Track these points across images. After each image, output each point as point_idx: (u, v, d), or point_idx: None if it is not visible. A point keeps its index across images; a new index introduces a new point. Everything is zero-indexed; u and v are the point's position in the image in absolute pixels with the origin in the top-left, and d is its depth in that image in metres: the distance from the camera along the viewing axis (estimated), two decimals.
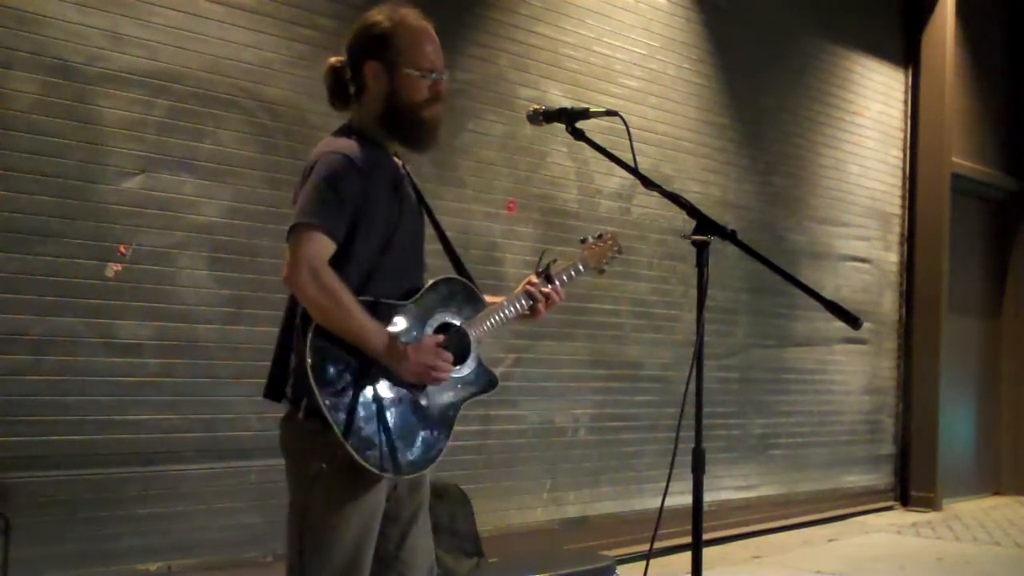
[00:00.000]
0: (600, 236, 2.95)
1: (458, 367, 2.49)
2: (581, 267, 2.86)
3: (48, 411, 3.80)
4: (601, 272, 2.96)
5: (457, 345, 2.50)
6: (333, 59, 2.57)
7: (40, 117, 3.79)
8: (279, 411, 2.50)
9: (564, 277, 2.78)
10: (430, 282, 2.53)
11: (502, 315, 2.60)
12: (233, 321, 4.30)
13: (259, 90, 4.42)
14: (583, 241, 2.91)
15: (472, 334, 2.53)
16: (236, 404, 4.28)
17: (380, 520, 2.44)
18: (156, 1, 4.10)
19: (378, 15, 2.52)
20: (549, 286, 2.69)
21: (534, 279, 2.70)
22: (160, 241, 4.10)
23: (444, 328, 2.50)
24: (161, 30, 4.11)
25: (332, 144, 2.46)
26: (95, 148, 3.93)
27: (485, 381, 2.57)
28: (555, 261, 2.75)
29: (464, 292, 2.59)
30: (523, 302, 2.66)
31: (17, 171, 3.74)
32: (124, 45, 4.01)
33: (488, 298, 2.65)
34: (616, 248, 2.97)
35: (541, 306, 2.67)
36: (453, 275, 2.61)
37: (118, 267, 3.98)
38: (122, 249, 3.99)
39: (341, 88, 2.56)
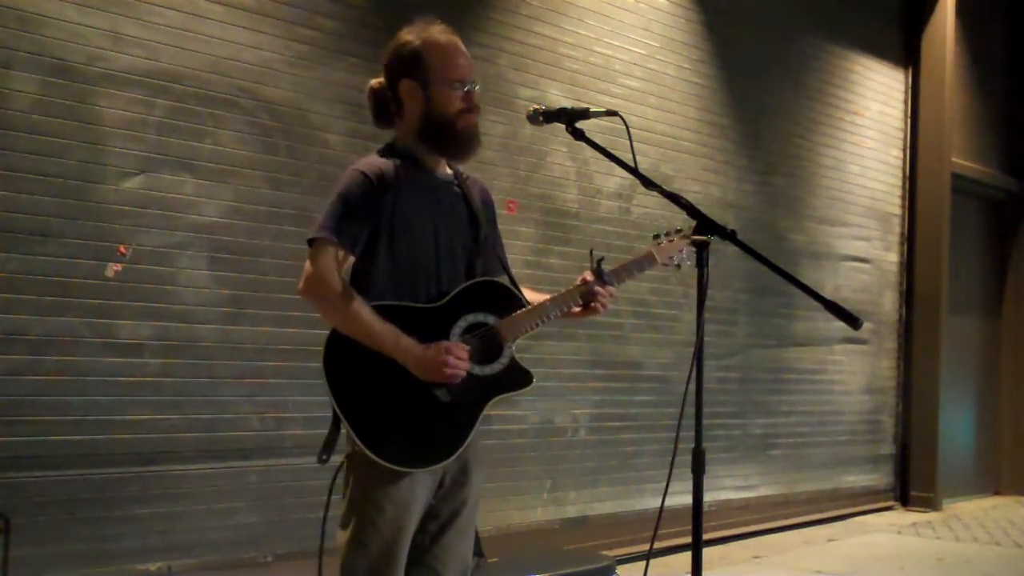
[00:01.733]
0: (676, 231, 2.83)
1: (488, 365, 2.54)
2: (646, 264, 2.80)
3: (48, 411, 3.80)
4: (677, 267, 2.84)
5: (486, 343, 2.54)
6: (374, 81, 2.68)
7: (40, 117, 3.80)
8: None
9: (624, 275, 2.74)
10: (462, 285, 2.59)
11: (548, 316, 2.62)
12: (233, 321, 4.30)
13: (259, 90, 4.42)
14: (655, 237, 2.84)
15: (505, 333, 2.56)
16: (236, 404, 4.28)
17: (417, 514, 2.53)
18: (156, 1, 4.10)
19: (408, 35, 2.62)
20: (605, 286, 2.67)
21: (589, 277, 2.69)
22: (160, 241, 4.10)
23: (474, 328, 2.55)
24: (161, 30, 4.11)
25: (360, 161, 2.59)
26: (95, 148, 3.93)
27: (518, 380, 2.59)
28: (603, 259, 2.72)
29: (500, 293, 2.62)
30: (576, 301, 2.66)
31: (17, 171, 3.74)
32: (124, 45, 4.01)
33: (531, 295, 2.67)
34: (689, 244, 2.82)
35: (598, 305, 2.67)
36: (490, 278, 2.66)
37: (118, 267, 3.98)
38: (122, 249, 3.99)
39: (383, 108, 2.66)
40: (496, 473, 5.35)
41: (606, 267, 2.70)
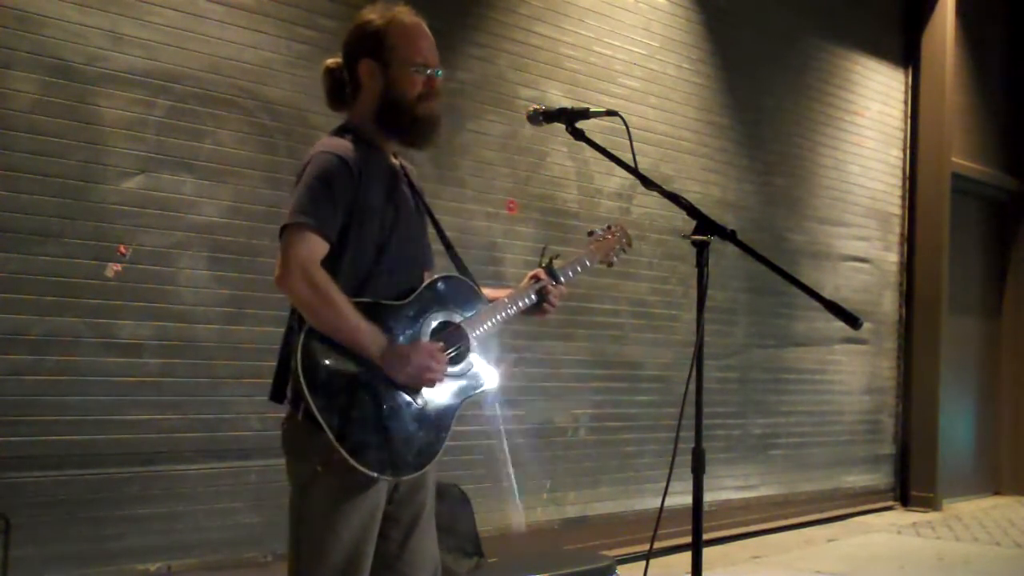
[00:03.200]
0: (608, 228, 2.95)
1: (457, 366, 2.48)
2: (587, 261, 2.85)
3: (48, 411, 3.80)
4: (610, 264, 2.95)
5: (456, 343, 2.49)
6: (329, 60, 2.59)
7: (40, 117, 3.79)
8: (279, 411, 2.50)
9: (570, 272, 2.77)
10: (427, 281, 2.52)
11: (505, 312, 2.60)
12: (233, 321, 4.30)
13: (259, 90, 4.42)
14: (591, 234, 2.91)
15: (471, 332, 2.51)
16: (236, 404, 4.28)
17: (380, 521, 2.43)
18: (156, 1, 4.10)
19: (371, 13, 2.53)
20: (553, 282, 2.68)
21: (538, 273, 2.68)
22: (160, 241, 4.10)
23: (442, 327, 2.49)
24: (161, 30, 4.11)
25: (326, 144, 2.46)
26: (95, 148, 3.93)
27: (485, 378, 2.55)
28: (557, 256, 2.74)
29: (463, 290, 2.57)
30: (530, 297, 2.65)
31: (17, 171, 3.74)
32: (124, 45, 4.01)
33: (489, 292, 2.64)
34: (624, 240, 2.96)
35: (549, 303, 2.67)
36: (452, 273, 2.59)
37: (118, 267, 3.98)
38: (122, 249, 3.99)
39: (338, 89, 2.57)
40: (496, 473, 5.34)
41: (556, 266, 2.72)
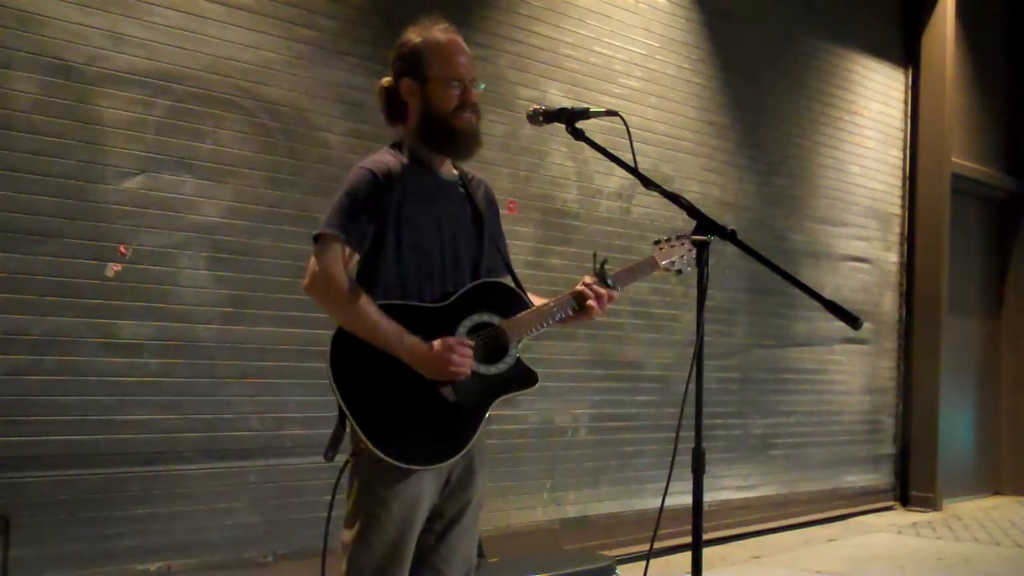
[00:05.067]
0: (677, 237, 2.86)
1: (494, 365, 2.55)
2: (648, 268, 2.82)
3: (48, 411, 3.80)
4: (679, 272, 2.87)
5: (493, 344, 2.55)
6: (384, 80, 2.70)
7: (40, 117, 3.79)
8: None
9: (627, 278, 2.76)
10: (468, 285, 2.60)
11: (550, 319, 2.64)
12: (233, 321, 4.30)
13: (259, 90, 4.42)
14: (656, 243, 2.86)
15: (510, 333, 2.58)
16: (236, 404, 4.28)
17: (423, 513, 2.53)
18: (156, 1, 4.10)
19: (410, 34, 2.65)
20: (605, 288, 2.68)
21: (588, 279, 2.69)
22: (160, 241, 4.10)
23: (479, 328, 2.56)
24: (161, 30, 4.11)
25: (365, 159, 2.60)
26: (95, 148, 3.93)
27: (523, 379, 2.63)
28: (606, 261, 2.73)
29: (505, 294, 2.64)
30: (573, 307, 2.66)
31: (17, 171, 3.74)
32: (124, 45, 4.01)
33: (535, 298, 2.69)
34: (690, 249, 2.83)
35: (594, 304, 2.66)
36: (495, 279, 2.66)
37: (118, 267, 3.98)
38: (122, 249, 3.99)
39: (393, 107, 2.68)
40: (496, 473, 5.34)
41: (608, 271, 2.71)
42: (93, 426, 3.90)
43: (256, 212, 4.38)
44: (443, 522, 2.61)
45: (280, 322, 4.38)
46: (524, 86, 5.54)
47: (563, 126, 2.63)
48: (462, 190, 2.68)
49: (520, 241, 5.45)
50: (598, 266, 2.71)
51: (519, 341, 2.60)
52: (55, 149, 3.83)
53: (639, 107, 6.17)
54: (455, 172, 2.70)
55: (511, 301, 2.63)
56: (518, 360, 2.60)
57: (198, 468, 4.18)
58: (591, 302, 2.66)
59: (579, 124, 2.62)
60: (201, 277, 4.23)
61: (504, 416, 5.37)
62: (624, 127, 2.55)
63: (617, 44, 6.09)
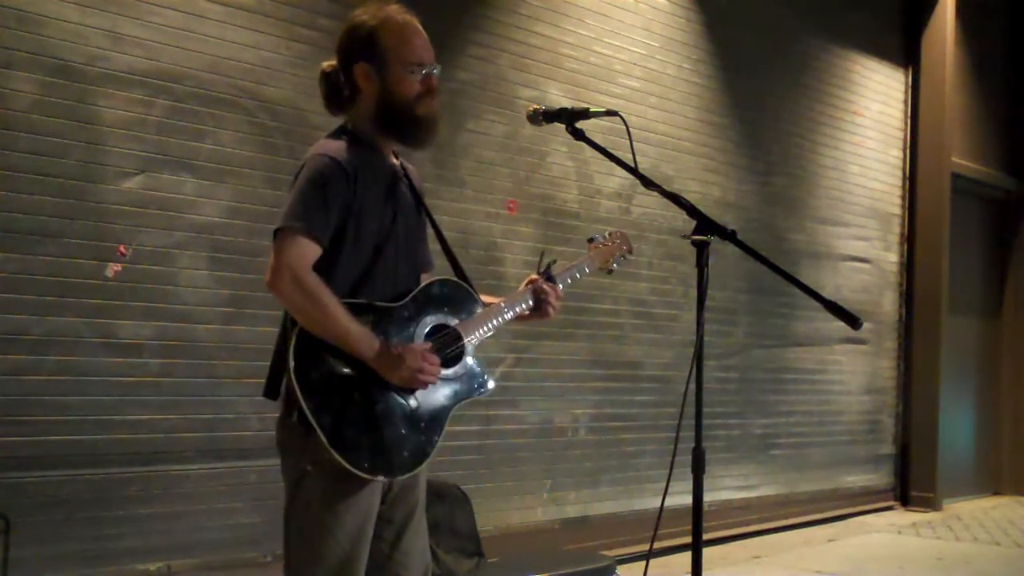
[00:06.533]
0: (609, 235, 2.93)
1: (451, 369, 2.48)
2: (586, 267, 2.84)
3: (48, 411, 3.80)
4: (609, 271, 2.94)
5: (450, 347, 2.48)
6: (325, 64, 2.57)
7: (40, 117, 3.79)
8: (278, 411, 2.49)
9: (568, 278, 2.76)
10: (423, 284, 2.52)
11: (501, 317, 2.59)
12: (233, 321, 4.30)
13: (259, 90, 4.42)
14: (591, 240, 2.89)
15: (466, 336, 2.51)
16: (236, 404, 4.28)
17: (375, 521, 2.44)
18: (156, 1, 4.10)
19: (363, 15, 2.50)
20: (549, 285, 2.67)
21: (536, 279, 2.68)
22: (160, 241, 4.10)
23: (437, 330, 2.49)
24: (161, 30, 4.11)
25: (322, 146, 2.45)
26: (95, 148, 3.93)
27: (479, 382, 2.55)
28: (555, 261, 2.74)
29: (459, 293, 2.57)
30: (527, 303, 2.64)
31: (17, 171, 3.74)
32: (124, 45, 4.01)
33: (486, 298, 2.63)
34: (626, 248, 2.94)
35: (548, 307, 2.65)
36: (448, 276, 2.59)
37: (118, 267, 3.98)
38: (122, 249, 3.99)
39: (335, 92, 2.55)
40: (496, 473, 5.35)
41: (554, 270, 2.71)
42: (93, 426, 3.90)
43: (256, 212, 4.37)
44: (393, 529, 2.50)
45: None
46: (524, 86, 5.54)
47: (563, 126, 2.63)
48: (404, 177, 2.59)
49: (520, 241, 5.45)
50: (544, 266, 2.70)
51: (473, 343, 2.53)
52: (55, 149, 3.83)
53: (639, 107, 6.17)
54: (395, 159, 2.57)
55: (464, 301, 2.56)
56: (474, 363, 2.53)
57: (198, 468, 4.18)
58: (545, 304, 2.64)
59: (579, 124, 2.62)
60: (201, 277, 4.23)
61: (504, 416, 5.37)
62: (624, 127, 2.55)
63: (617, 44, 6.09)
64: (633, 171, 2.56)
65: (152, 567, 4.05)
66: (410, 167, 2.64)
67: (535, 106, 2.68)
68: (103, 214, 3.95)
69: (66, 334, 3.85)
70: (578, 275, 2.81)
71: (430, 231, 2.67)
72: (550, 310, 2.67)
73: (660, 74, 6.37)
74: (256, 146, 4.41)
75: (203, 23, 4.24)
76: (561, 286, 2.71)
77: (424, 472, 2.55)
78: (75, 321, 3.87)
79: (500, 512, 5.33)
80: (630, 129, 2.58)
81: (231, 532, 4.28)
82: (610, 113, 2.60)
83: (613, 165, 2.61)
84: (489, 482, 5.27)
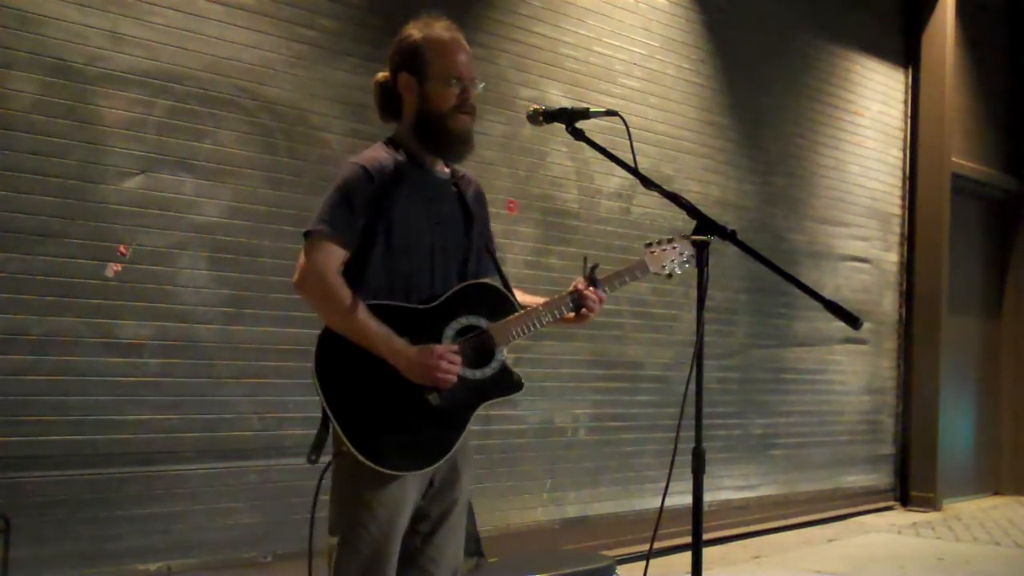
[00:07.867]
0: (669, 240, 2.81)
1: (478, 370, 2.52)
2: (638, 272, 2.78)
3: (48, 411, 3.80)
4: (669, 276, 2.82)
5: (480, 348, 2.53)
6: (380, 74, 2.67)
7: (40, 117, 3.79)
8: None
9: (616, 282, 2.74)
10: (456, 287, 2.57)
11: (538, 320, 2.61)
12: (233, 321, 4.30)
13: (259, 90, 4.42)
14: (647, 245, 2.82)
15: (497, 337, 2.55)
16: (236, 404, 4.28)
17: (407, 515, 2.51)
18: (156, 1, 4.10)
19: (411, 28, 2.62)
20: (592, 290, 2.67)
21: (580, 284, 2.68)
22: (160, 241, 4.10)
23: (468, 330, 2.53)
24: (161, 30, 4.11)
25: (359, 154, 2.57)
26: (95, 148, 3.93)
27: (508, 385, 2.58)
28: (597, 266, 2.71)
29: (493, 296, 2.61)
30: (567, 307, 2.65)
31: (17, 171, 3.74)
32: (124, 45, 4.01)
33: (528, 299, 2.66)
34: (690, 252, 2.72)
35: (588, 308, 2.65)
36: (483, 280, 2.64)
37: (118, 267, 3.98)
38: (122, 249, 3.99)
39: (387, 102, 2.65)
40: (496, 473, 5.35)
41: (598, 275, 2.69)
42: (93, 426, 3.90)
43: (256, 212, 4.38)
44: (428, 523, 2.58)
45: (280, 322, 4.38)
46: (524, 86, 5.54)
47: (563, 126, 2.63)
48: (454, 188, 2.66)
49: (520, 241, 5.45)
50: (588, 270, 2.70)
51: (506, 345, 2.57)
52: (55, 149, 3.83)
53: (639, 107, 6.17)
54: (447, 170, 2.67)
55: (499, 303, 2.60)
56: (504, 365, 2.56)
57: (198, 468, 4.18)
58: (585, 309, 2.65)
59: (579, 124, 2.62)
60: (201, 277, 4.23)
61: (504, 416, 5.37)
62: (624, 127, 2.55)
63: (617, 44, 6.09)
64: (633, 171, 2.56)
65: (152, 567, 4.05)
66: (469, 179, 2.71)
67: (535, 106, 2.67)
68: (103, 214, 3.95)
69: (66, 334, 3.85)
70: (628, 279, 2.77)
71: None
72: (588, 314, 2.67)
73: (660, 74, 6.38)
74: (256, 146, 4.41)
75: (203, 23, 4.24)
76: (605, 290, 2.69)
77: (468, 473, 2.64)
78: (75, 321, 3.87)
79: (500, 512, 5.33)
80: (630, 129, 2.58)
81: (231, 532, 4.28)
82: (610, 113, 2.60)
83: (613, 165, 2.61)
84: (489, 482, 5.27)
